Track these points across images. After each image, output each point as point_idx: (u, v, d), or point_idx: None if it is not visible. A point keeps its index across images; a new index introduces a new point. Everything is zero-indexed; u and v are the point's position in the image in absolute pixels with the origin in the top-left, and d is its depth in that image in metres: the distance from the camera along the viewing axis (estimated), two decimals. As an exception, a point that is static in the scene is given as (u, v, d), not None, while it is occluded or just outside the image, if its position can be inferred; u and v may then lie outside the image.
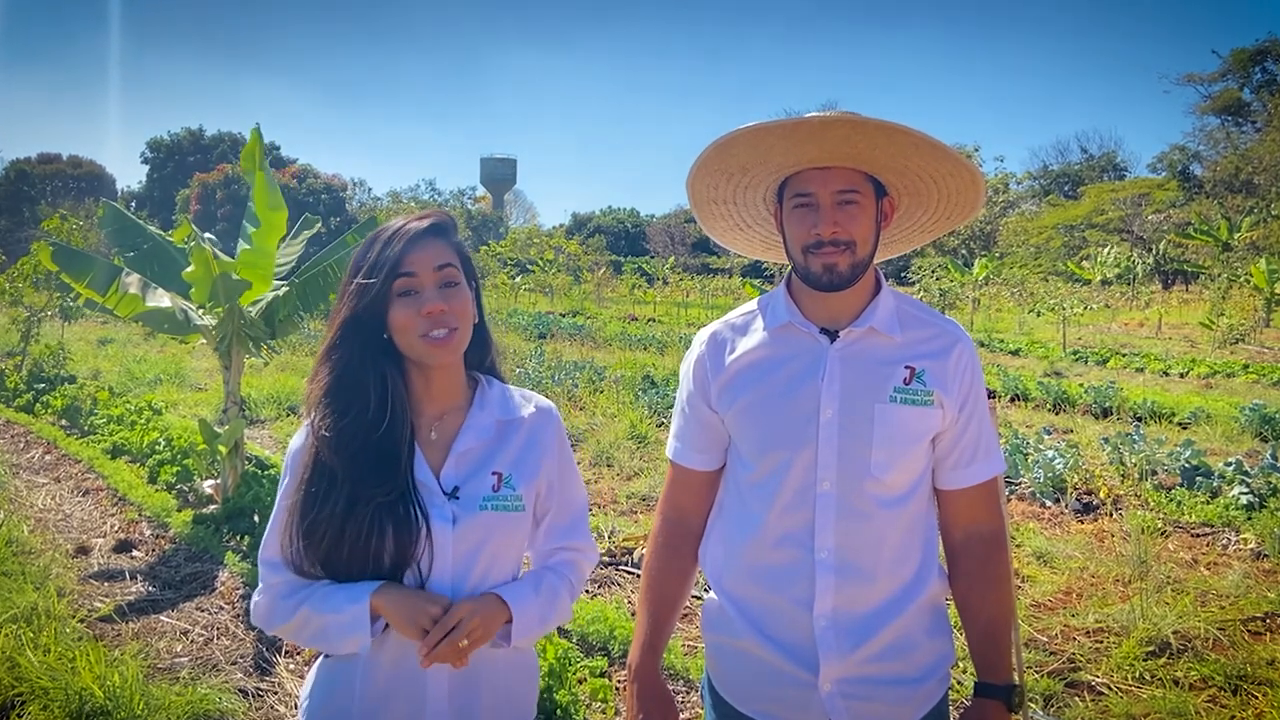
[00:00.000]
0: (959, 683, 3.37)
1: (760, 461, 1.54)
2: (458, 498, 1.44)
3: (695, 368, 1.64)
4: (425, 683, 1.42)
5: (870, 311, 1.55)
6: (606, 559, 4.64)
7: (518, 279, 31.15)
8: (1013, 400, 9.97)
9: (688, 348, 1.73)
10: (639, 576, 4.38)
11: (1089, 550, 4.84)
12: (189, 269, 4.75)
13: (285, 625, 1.43)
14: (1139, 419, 8.69)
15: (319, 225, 5.67)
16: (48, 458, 7.06)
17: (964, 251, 37.74)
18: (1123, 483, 5.99)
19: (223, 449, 5.29)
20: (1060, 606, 4.12)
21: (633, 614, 3.97)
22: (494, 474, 1.47)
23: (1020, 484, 6.01)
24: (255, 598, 1.46)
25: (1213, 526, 5.23)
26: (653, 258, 47.96)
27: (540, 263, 33.62)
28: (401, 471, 1.41)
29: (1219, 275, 23.14)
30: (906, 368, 1.52)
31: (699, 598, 1.78)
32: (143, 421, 7.48)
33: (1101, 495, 5.68)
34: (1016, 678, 1.74)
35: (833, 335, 1.54)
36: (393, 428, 1.41)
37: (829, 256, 1.48)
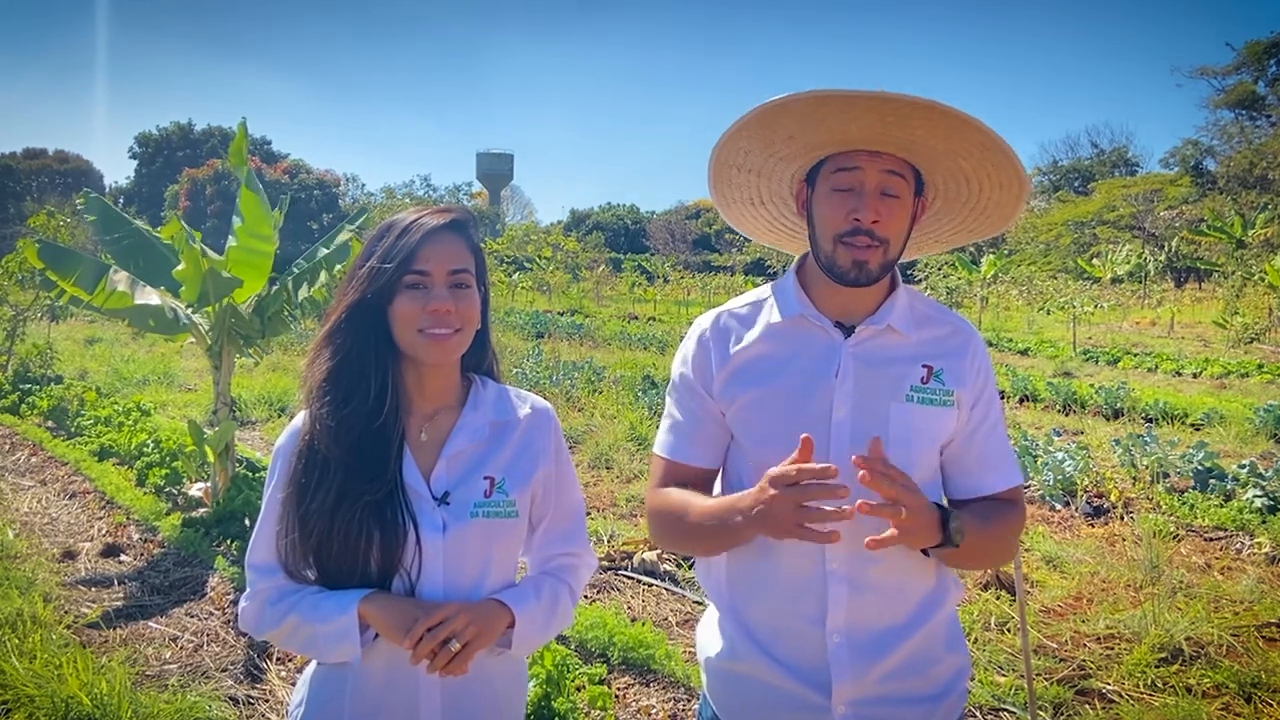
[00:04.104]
0: (969, 691, 3.29)
1: (766, 464, 1.44)
2: (448, 503, 1.40)
3: (697, 354, 1.54)
4: (418, 692, 1.38)
5: (888, 308, 1.47)
6: (605, 564, 4.58)
7: (514, 277, 30.94)
8: (1022, 401, 9.91)
9: None
10: (639, 581, 4.35)
11: (1099, 554, 4.78)
12: (179, 267, 4.67)
13: (274, 631, 1.41)
14: (1151, 420, 8.62)
15: (287, 203, 5.50)
16: (34, 460, 6.98)
17: (971, 249, 37.63)
18: (1134, 485, 5.93)
19: (212, 451, 5.22)
20: (1070, 612, 4.06)
21: (633, 620, 3.88)
22: (486, 478, 1.43)
23: (1029, 487, 5.94)
24: (243, 603, 1.44)
25: (1226, 530, 5.16)
26: (653, 255, 47.97)
27: (538, 260, 33.44)
28: (390, 468, 1.38)
29: (1233, 273, 22.93)
30: (924, 366, 1.44)
31: (701, 603, 1.66)
32: (131, 423, 7.43)
33: (1112, 498, 5.62)
34: (1025, 684, 1.64)
35: (847, 330, 1.46)
36: (386, 420, 1.39)
37: (861, 251, 1.39)
